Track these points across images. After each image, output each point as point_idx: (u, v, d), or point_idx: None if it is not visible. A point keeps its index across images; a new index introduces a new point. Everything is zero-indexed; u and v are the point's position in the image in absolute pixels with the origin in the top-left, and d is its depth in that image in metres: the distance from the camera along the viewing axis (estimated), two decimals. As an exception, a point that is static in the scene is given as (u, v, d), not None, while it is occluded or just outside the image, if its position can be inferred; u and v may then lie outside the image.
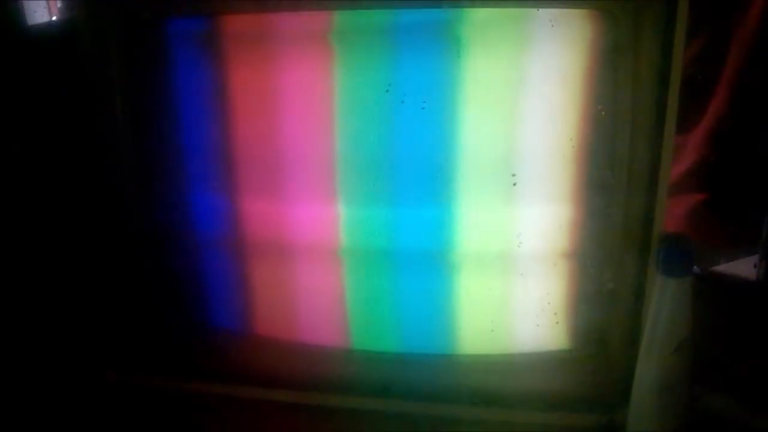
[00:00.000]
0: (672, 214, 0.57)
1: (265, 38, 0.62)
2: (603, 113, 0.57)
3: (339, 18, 0.61)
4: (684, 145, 0.92)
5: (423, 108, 0.59)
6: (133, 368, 0.72)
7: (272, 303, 0.70)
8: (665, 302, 0.55)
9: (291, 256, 0.67)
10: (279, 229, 0.67)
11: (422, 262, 0.64)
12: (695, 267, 0.55)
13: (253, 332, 0.71)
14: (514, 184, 0.60)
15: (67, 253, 0.73)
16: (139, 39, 0.64)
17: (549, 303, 0.63)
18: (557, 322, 0.64)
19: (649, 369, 0.57)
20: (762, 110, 0.87)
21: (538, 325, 0.64)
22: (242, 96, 0.64)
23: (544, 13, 0.56)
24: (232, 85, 0.64)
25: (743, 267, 0.85)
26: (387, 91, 0.60)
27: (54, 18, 0.81)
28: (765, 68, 0.86)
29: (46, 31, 0.77)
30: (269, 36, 0.62)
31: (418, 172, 0.61)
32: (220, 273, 0.71)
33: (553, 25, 0.56)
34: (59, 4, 0.79)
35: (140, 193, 0.69)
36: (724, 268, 0.86)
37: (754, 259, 0.83)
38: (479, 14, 0.58)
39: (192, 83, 0.66)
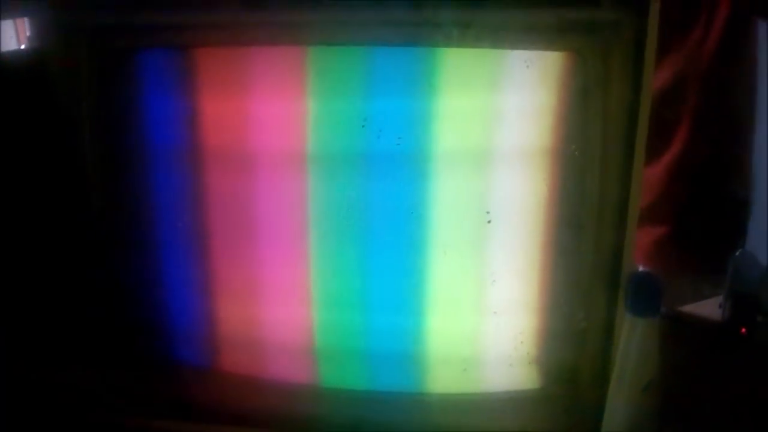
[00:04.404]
0: (636, 244, 0.58)
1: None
2: (576, 153, 0.58)
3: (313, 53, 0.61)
4: (648, 178, 0.94)
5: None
6: (97, 406, 0.70)
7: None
8: (634, 341, 0.55)
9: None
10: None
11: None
12: (662, 308, 0.56)
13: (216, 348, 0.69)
14: (489, 221, 0.60)
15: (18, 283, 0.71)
16: (112, 69, 0.64)
17: (522, 342, 0.63)
18: (530, 362, 0.64)
19: (619, 407, 0.57)
20: (721, 144, 0.89)
21: (511, 365, 0.64)
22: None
23: (518, 55, 0.57)
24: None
25: (708, 307, 0.86)
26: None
27: (23, 47, 0.80)
28: (723, 104, 0.89)
29: (14, 60, 0.76)
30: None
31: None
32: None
33: (528, 66, 0.57)
34: (28, 33, 0.78)
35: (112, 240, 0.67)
36: (690, 308, 0.87)
37: (719, 299, 0.84)
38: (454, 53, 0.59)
39: (164, 110, 0.65)
